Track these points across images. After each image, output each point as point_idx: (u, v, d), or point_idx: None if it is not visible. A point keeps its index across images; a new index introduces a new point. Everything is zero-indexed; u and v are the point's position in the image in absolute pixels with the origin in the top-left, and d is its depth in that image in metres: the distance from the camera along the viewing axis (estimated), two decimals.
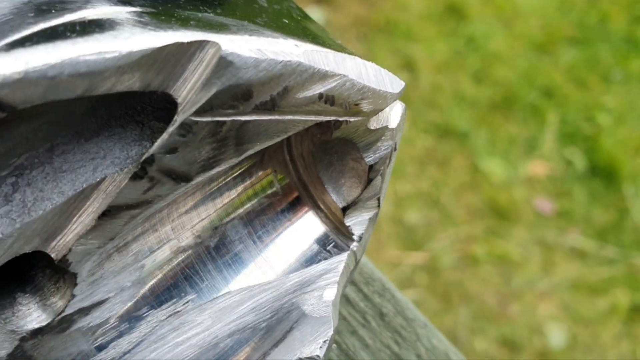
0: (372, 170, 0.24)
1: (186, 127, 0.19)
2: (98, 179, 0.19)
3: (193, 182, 0.20)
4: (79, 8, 0.18)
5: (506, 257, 1.65)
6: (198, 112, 0.19)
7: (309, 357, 0.21)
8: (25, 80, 0.16)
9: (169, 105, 0.20)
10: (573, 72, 2.01)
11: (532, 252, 1.73)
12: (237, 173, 0.24)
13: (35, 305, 0.21)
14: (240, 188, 0.24)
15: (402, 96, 0.22)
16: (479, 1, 2.09)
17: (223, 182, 0.24)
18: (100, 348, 0.22)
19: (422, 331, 0.30)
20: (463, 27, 2.06)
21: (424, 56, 2.00)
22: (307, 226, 0.25)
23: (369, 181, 0.24)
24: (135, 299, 0.22)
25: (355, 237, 0.24)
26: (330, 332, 0.22)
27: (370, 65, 0.21)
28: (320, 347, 0.21)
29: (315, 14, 1.90)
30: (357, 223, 0.24)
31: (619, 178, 1.81)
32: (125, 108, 0.20)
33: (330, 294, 0.23)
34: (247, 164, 0.24)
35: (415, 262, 1.62)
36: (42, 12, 0.18)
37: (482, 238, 1.68)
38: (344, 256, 0.24)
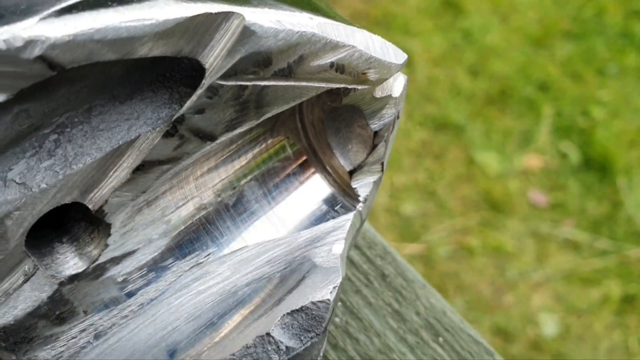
0: (376, 136, 0.26)
1: (213, 90, 0.21)
2: (132, 137, 0.22)
3: (217, 141, 0.23)
4: None
5: (501, 249, 1.68)
6: (223, 77, 0.21)
7: (320, 301, 0.24)
8: (73, 43, 0.18)
9: (194, 73, 0.22)
10: (569, 66, 2.02)
11: (526, 243, 1.74)
12: (253, 138, 0.26)
13: (72, 253, 0.23)
14: (256, 152, 0.26)
15: None
16: None
17: (241, 146, 0.26)
18: (129, 295, 0.24)
19: (421, 291, 0.32)
20: (460, 21, 2.07)
21: (420, 50, 2.02)
22: (316, 188, 0.27)
23: (374, 147, 0.26)
24: (161, 251, 0.25)
25: (361, 199, 0.27)
26: (339, 280, 0.24)
27: (377, 38, 0.23)
28: (331, 292, 0.24)
29: None
30: (362, 185, 0.27)
31: (613, 171, 1.82)
32: (156, 75, 0.22)
33: (339, 248, 0.26)
34: (262, 129, 0.26)
35: (411, 253, 1.64)
36: None
37: (477, 229, 1.70)
38: (350, 215, 0.27)
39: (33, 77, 0.19)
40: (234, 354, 0.23)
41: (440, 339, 0.31)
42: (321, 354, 0.26)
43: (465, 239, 1.70)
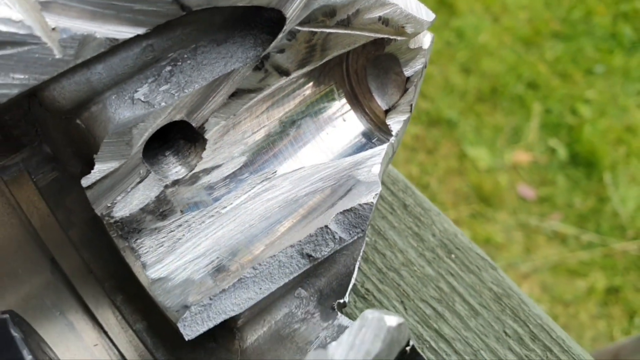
0: (408, 82, 0.33)
1: (292, 34, 0.28)
2: (228, 70, 0.29)
3: (290, 77, 0.30)
4: None
5: (490, 240, 1.71)
6: (300, 24, 0.28)
7: (365, 203, 0.31)
8: None
9: (272, 24, 0.29)
10: (558, 65, 2.05)
11: (514, 235, 1.77)
12: (308, 82, 0.33)
13: (176, 163, 0.30)
14: (311, 93, 0.33)
15: None
16: None
17: (300, 87, 0.33)
18: (215, 199, 0.31)
19: (437, 218, 0.40)
20: (453, 21, 2.11)
21: None
22: (357, 125, 0.35)
23: (406, 90, 0.33)
24: (240, 166, 0.32)
25: (393, 133, 0.34)
26: (379, 189, 0.31)
27: (413, 0, 0.30)
28: (373, 197, 0.31)
29: None
30: (395, 122, 0.34)
31: (600, 167, 1.85)
32: (244, 24, 0.29)
33: (376, 169, 0.33)
34: (316, 74, 0.33)
35: None
36: None
37: (468, 221, 1.75)
38: (384, 146, 0.34)
39: (167, 16, 0.26)
40: (300, 240, 0.30)
41: (453, 256, 0.38)
42: (360, 257, 0.33)
43: None
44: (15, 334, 0.26)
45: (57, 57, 0.24)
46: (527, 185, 1.86)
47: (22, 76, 0.24)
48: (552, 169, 1.89)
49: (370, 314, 0.23)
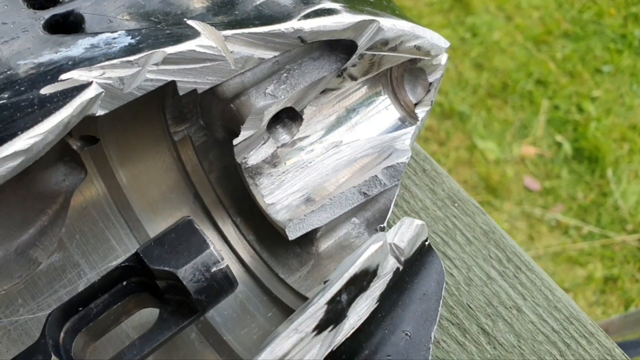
0: (430, 85, 0.53)
1: (361, 55, 0.49)
2: (320, 77, 0.49)
3: (357, 81, 0.50)
4: (320, 2, 0.48)
5: None
6: (366, 49, 0.48)
7: (401, 162, 0.51)
8: (313, 30, 0.46)
9: (347, 48, 0.49)
10: (567, 64, 2.17)
11: (519, 224, 1.91)
12: (366, 85, 0.54)
13: (284, 132, 0.51)
14: (367, 91, 0.54)
15: None
16: None
17: (359, 88, 0.53)
18: (305, 156, 0.52)
19: (446, 179, 0.60)
20: (469, 19, 2.24)
21: None
22: (395, 113, 0.55)
23: (429, 90, 0.54)
24: (320, 137, 0.52)
25: (419, 119, 0.54)
26: (409, 154, 0.52)
27: (435, 33, 0.51)
28: (406, 159, 0.51)
29: None
30: (420, 112, 0.54)
31: (603, 163, 1.96)
32: (330, 47, 0.50)
33: (408, 142, 0.53)
34: (370, 80, 0.54)
35: None
36: (306, 3, 0.48)
37: None
38: (413, 127, 0.54)
39: (292, 46, 0.46)
40: (359, 183, 0.51)
41: (456, 204, 0.59)
42: (394, 199, 0.53)
43: None
44: (197, 227, 0.46)
45: (232, 68, 0.44)
46: (532, 177, 1.99)
47: (212, 78, 0.44)
48: (558, 163, 2.01)
49: (406, 218, 0.44)
